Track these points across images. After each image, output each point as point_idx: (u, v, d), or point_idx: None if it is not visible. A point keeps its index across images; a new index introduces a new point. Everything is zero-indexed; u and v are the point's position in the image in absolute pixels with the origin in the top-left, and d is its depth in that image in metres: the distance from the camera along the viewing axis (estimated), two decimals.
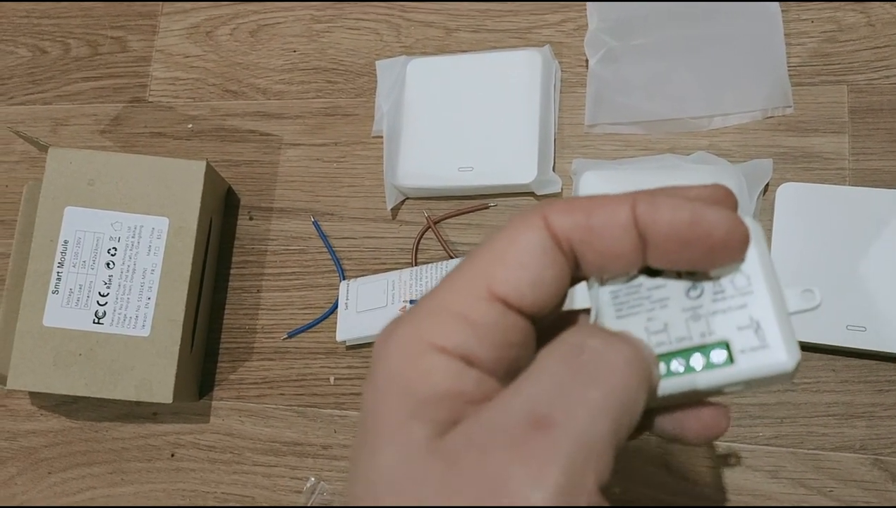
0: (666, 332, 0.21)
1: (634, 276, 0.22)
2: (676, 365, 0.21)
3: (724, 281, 0.22)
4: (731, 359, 0.21)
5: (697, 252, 0.21)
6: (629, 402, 0.19)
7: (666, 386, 0.21)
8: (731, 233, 0.21)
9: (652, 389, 0.21)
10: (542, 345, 0.23)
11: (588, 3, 0.53)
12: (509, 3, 0.57)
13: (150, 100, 0.61)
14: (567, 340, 0.20)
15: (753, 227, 0.22)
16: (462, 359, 0.20)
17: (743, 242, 0.21)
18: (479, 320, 0.20)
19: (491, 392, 0.20)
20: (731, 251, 0.21)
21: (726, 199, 0.22)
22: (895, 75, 0.50)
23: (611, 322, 0.22)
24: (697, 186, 0.22)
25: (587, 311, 0.23)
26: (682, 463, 0.46)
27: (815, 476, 0.45)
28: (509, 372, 0.21)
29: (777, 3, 0.50)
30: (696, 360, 0.21)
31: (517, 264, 0.21)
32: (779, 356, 0.21)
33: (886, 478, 0.44)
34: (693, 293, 0.22)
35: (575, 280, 0.22)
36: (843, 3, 0.52)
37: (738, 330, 0.21)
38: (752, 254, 0.22)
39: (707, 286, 0.22)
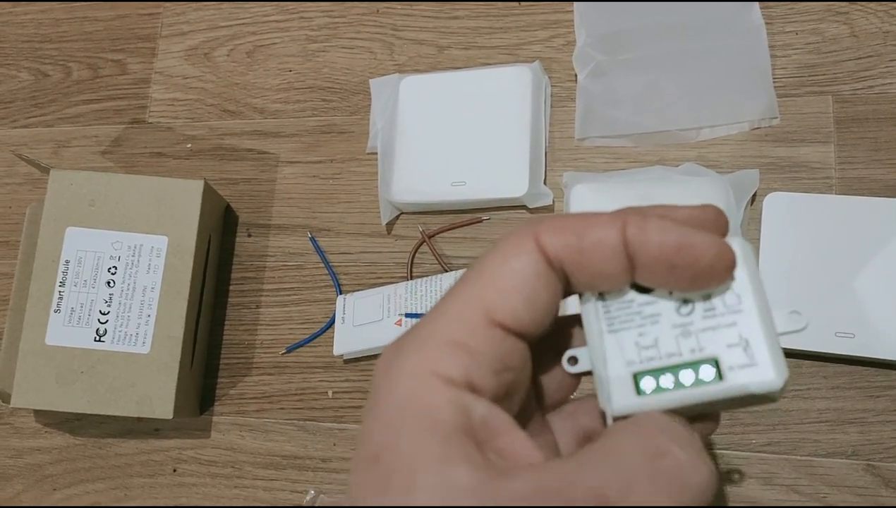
0: (656, 348, 0.22)
1: (626, 291, 0.23)
2: (666, 381, 0.22)
3: (715, 299, 0.22)
4: (720, 376, 0.21)
5: (684, 276, 0.21)
6: None
7: (655, 402, 0.22)
8: (717, 260, 0.21)
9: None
10: (535, 355, 0.23)
11: (576, 20, 0.54)
12: (500, 20, 0.58)
13: (150, 121, 0.62)
14: (652, 436, 0.20)
15: (744, 247, 0.22)
16: (468, 389, 0.20)
17: (728, 268, 0.21)
18: (479, 348, 0.20)
19: (499, 420, 0.20)
20: (716, 276, 0.21)
21: (716, 220, 0.22)
22: (879, 85, 0.50)
23: (602, 336, 0.23)
24: (688, 207, 0.22)
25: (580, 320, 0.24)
26: None
27: (808, 483, 0.46)
28: (507, 395, 0.21)
29: (761, 16, 0.51)
30: (686, 377, 0.21)
31: (512, 288, 0.21)
32: (767, 374, 0.21)
33: (879, 483, 0.45)
34: (684, 310, 0.22)
35: (566, 294, 0.23)
36: (826, 15, 0.52)
37: (728, 347, 0.21)
38: (742, 273, 0.22)
39: (698, 303, 0.22)
